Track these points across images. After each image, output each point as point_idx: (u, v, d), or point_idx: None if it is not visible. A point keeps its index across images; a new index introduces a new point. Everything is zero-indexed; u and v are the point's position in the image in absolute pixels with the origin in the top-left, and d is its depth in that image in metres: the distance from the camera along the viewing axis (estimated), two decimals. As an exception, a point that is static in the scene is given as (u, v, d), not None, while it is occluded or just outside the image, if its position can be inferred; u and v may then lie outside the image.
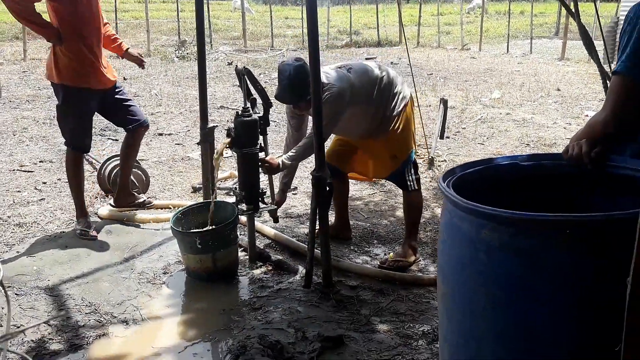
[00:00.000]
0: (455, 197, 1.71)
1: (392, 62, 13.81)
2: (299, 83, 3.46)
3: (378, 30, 19.37)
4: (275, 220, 4.00)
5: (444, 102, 5.93)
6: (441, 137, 6.02)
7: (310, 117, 3.52)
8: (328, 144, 4.13)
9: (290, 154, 3.67)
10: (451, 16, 28.14)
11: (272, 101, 3.68)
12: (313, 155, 3.37)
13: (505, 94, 9.92)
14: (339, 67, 3.72)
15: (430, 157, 5.94)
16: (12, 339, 2.83)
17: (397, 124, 3.69)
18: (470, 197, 1.68)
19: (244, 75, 3.62)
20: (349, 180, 4.21)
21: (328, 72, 3.61)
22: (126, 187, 4.60)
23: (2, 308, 3.13)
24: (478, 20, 20.61)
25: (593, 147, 1.82)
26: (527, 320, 1.48)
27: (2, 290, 2.21)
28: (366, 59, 14.32)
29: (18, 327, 2.97)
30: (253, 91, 3.67)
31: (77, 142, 4.20)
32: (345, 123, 3.68)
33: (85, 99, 4.10)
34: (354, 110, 3.64)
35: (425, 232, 4.27)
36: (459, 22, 19.67)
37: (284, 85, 3.55)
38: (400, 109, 3.71)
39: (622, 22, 1.90)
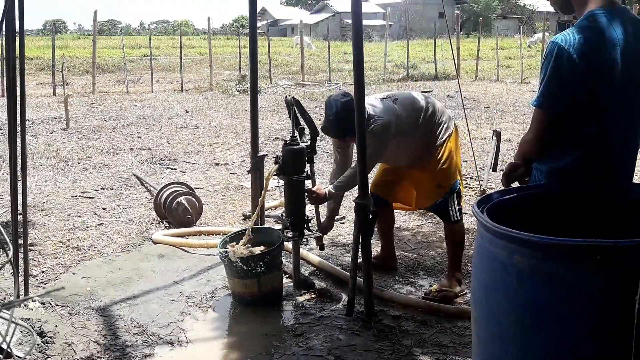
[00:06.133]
0: (487, 221, 1.70)
1: (448, 95, 13.77)
2: (345, 118, 3.51)
3: (435, 64, 19.39)
4: (321, 247, 4.03)
5: (497, 133, 5.86)
6: (494, 169, 5.92)
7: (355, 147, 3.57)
8: (373, 173, 4.16)
9: (336, 183, 3.72)
10: (511, 50, 27.90)
11: (319, 131, 3.74)
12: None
13: (565, 128, 9.67)
14: (385, 98, 3.75)
15: (482, 189, 5.85)
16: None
17: (441, 153, 3.69)
18: (507, 224, 1.67)
19: (292, 105, 3.71)
20: (395, 210, 4.20)
21: (374, 103, 3.65)
22: None
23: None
24: (539, 55, 20.35)
25: (512, 168, 2.29)
26: (554, 346, 1.44)
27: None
28: (422, 92, 14.33)
29: (69, 345, 3.08)
30: (302, 122, 3.75)
31: None
32: (390, 152, 3.70)
33: None
34: (400, 140, 3.66)
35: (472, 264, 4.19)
36: (519, 56, 19.46)
37: (330, 120, 3.61)
38: (444, 138, 3.71)
39: None
